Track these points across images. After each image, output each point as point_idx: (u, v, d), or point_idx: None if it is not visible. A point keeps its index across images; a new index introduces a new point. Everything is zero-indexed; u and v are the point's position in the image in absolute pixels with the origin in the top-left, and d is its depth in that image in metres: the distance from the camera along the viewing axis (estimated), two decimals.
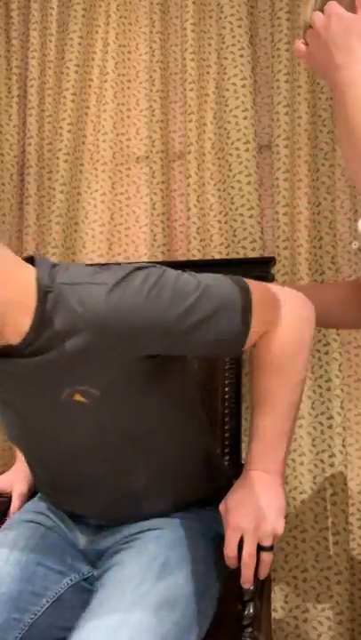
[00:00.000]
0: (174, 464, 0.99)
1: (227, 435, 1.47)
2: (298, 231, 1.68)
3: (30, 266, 0.87)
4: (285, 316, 0.94)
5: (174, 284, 0.84)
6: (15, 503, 1.15)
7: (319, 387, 1.60)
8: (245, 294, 0.88)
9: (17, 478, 1.18)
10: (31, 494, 1.16)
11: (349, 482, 1.60)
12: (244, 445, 1.56)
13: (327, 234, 1.61)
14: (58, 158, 1.83)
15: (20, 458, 1.19)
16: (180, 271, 0.88)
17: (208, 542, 0.98)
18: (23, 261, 0.88)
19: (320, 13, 0.83)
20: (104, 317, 0.81)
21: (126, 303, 0.81)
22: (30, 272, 0.86)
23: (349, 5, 0.82)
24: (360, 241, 1.06)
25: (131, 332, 0.82)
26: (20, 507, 1.13)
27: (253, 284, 0.92)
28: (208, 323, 0.85)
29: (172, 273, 0.86)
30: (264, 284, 0.97)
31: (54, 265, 0.89)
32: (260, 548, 0.90)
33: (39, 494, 1.12)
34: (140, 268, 0.85)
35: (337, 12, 0.81)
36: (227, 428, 1.47)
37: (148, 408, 0.92)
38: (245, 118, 1.70)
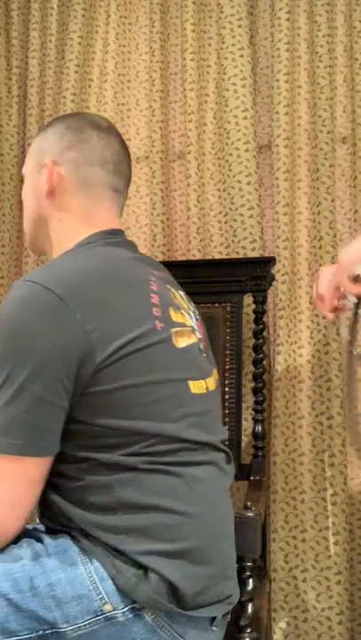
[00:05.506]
0: None
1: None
2: (298, 231, 1.67)
3: None
4: None
5: None
6: None
7: (319, 387, 1.60)
8: None
9: None
10: None
11: (349, 482, 1.60)
12: (243, 445, 1.57)
13: (327, 234, 1.61)
14: None
15: None
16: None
17: None
18: None
19: None
20: None
21: None
22: None
23: None
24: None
25: None
26: None
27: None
28: None
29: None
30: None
31: None
32: None
33: None
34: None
35: None
36: (226, 428, 1.47)
37: None
38: (245, 118, 1.70)
